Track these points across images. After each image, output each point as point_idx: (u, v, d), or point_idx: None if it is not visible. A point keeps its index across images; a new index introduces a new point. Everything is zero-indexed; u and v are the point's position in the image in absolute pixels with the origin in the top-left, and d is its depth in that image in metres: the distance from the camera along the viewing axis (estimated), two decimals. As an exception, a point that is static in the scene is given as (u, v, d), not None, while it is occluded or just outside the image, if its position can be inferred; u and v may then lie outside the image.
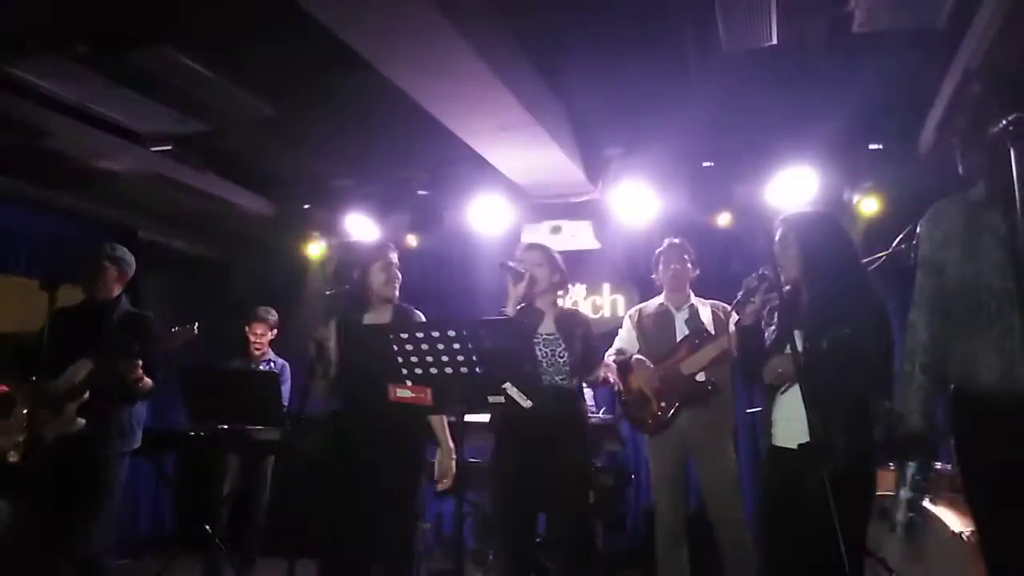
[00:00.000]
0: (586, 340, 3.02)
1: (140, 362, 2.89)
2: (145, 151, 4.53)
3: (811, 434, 2.09)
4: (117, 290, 3.19)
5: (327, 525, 2.80)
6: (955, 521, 3.11)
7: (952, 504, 3.23)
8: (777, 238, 2.50)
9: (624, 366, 3.67)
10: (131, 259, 3.26)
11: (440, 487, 2.94)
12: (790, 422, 2.35)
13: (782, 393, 2.39)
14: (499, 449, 3.16)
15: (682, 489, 3.66)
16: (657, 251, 3.83)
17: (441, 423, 2.99)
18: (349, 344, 2.85)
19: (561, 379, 2.95)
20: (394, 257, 3.02)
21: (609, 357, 3.77)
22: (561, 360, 3.00)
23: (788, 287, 2.43)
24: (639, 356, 3.62)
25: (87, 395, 2.86)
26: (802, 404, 2.18)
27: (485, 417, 3.58)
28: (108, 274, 3.14)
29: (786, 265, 2.44)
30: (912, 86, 3.77)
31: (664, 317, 3.69)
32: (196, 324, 3.02)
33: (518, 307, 3.07)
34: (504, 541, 3.17)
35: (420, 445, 2.97)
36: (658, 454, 3.63)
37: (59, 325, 3.04)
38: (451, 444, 2.96)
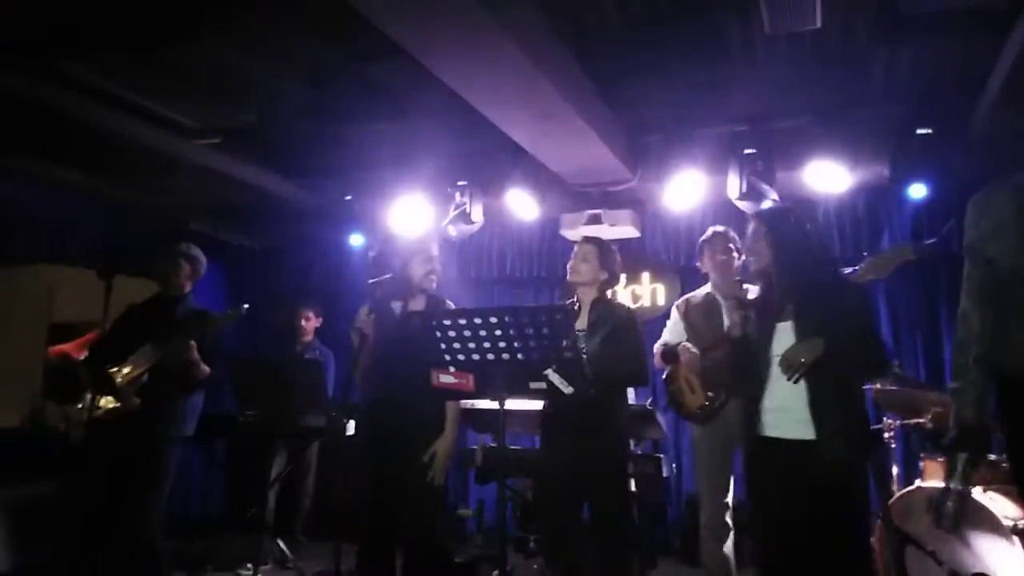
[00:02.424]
0: (621, 333, 3.02)
1: (194, 344, 2.99)
2: (194, 144, 4.66)
3: (818, 430, 2.11)
4: (188, 286, 3.34)
5: (360, 509, 2.86)
6: (1007, 511, 3.05)
7: (1005, 494, 3.17)
8: (749, 232, 2.53)
9: (671, 355, 3.66)
10: (203, 258, 3.42)
11: (437, 478, 2.85)
12: (781, 412, 2.34)
13: (794, 381, 2.33)
14: (544, 440, 3.20)
15: (727, 480, 3.63)
16: (701, 240, 3.80)
17: (454, 412, 2.94)
18: (383, 333, 2.90)
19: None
20: (435, 250, 3.05)
21: (658, 346, 3.77)
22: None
23: (762, 283, 2.43)
24: (686, 344, 3.59)
25: (145, 378, 2.97)
26: (795, 395, 2.27)
27: (526, 405, 3.65)
28: (182, 271, 3.30)
29: (757, 259, 2.48)
30: (962, 68, 3.66)
31: (711, 307, 3.66)
32: (245, 305, 3.12)
33: (569, 301, 3.14)
34: (548, 530, 3.21)
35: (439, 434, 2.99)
36: (704, 444, 3.61)
37: (128, 317, 3.24)
38: (454, 435, 2.94)
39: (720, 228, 3.76)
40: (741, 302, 2.56)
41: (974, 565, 3.01)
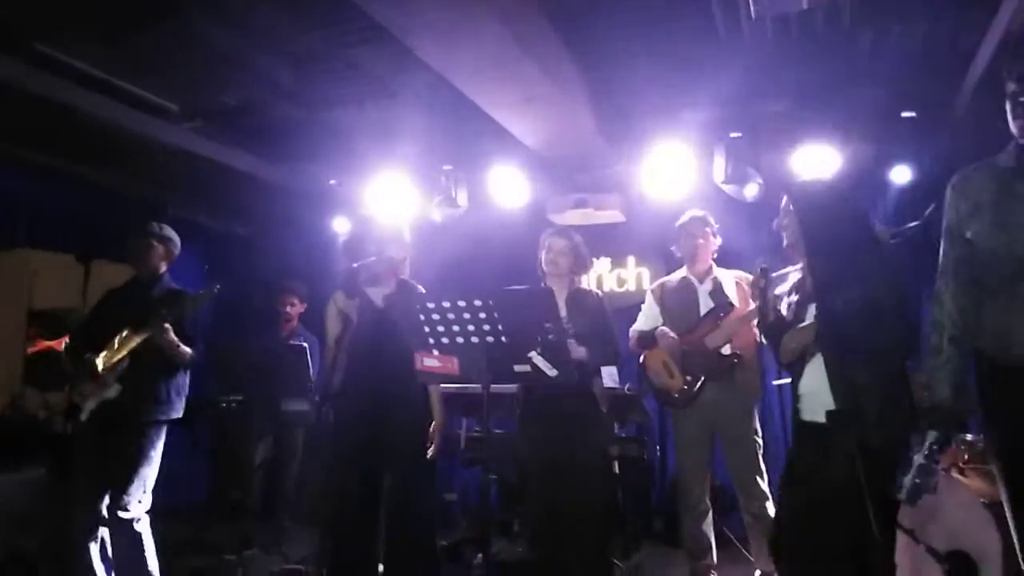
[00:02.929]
0: (595, 317, 3.11)
1: (168, 327, 2.96)
2: (174, 126, 4.59)
3: (836, 402, 2.08)
4: (163, 268, 3.30)
5: (339, 494, 2.86)
6: (982, 489, 3.10)
7: (980, 473, 3.22)
8: (781, 208, 2.49)
9: (648, 340, 3.67)
10: (177, 239, 3.37)
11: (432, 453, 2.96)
12: (816, 395, 2.32)
13: (810, 363, 2.34)
14: (523, 424, 3.22)
15: (707, 462, 3.67)
16: (678, 224, 3.79)
17: (437, 396, 3.02)
18: (363, 317, 2.89)
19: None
20: (409, 235, 3.05)
21: (634, 332, 3.79)
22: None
23: (801, 262, 2.40)
24: (664, 329, 3.61)
25: (126, 364, 2.94)
26: (823, 378, 2.22)
27: (507, 388, 3.66)
28: (155, 252, 3.26)
29: (788, 234, 2.45)
30: (947, 52, 3.67)
31: (687, 291, 3.67)
32: (217, 286, 3.09)
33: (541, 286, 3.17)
34: (531, 513, 3.24)
35: (426, 417, 3.01)
36: (684, 428, 3.64)
37: (107, 302, 3.22)
38: (442, 418, 3.03)
39: (698, 212, 3.75)
40: (759, 277, 2.51)
41: (951, 543, 3.05)
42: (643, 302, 3.84)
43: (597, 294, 3.32)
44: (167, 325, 2.96)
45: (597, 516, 3.09)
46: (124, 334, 2.94)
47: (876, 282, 2.25)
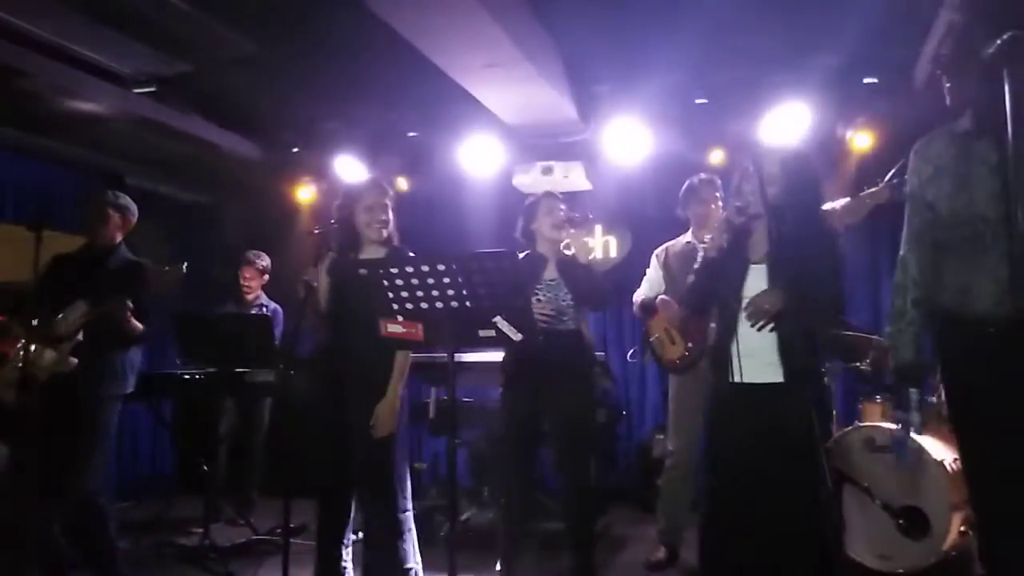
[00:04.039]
0: (588, 272, 3.14)
1: (131, 305, 2.89)
2: (128, 93, 4.44)
3: (795, 362, 2.12)
4: (118, 237, 3.19)
5: (314, 462, 2.84)
6: (938, 450, 3.20)
7: (936, 434, 3.32)
8: (739, 172, 2.48)
9: (649, 306, 3.67)
10: (133, 207, 3.25)
11: (377, 432, 2.74)
12: (751, 357, 2.32)
13: (757, 329, 2.31)
14: (507, 391, 3.23)
15: (698, 426, 3.69)
16: (686, 186, 3.72)
17: (401, 366, 2.81)
18: (336, 282, 2.84)
19: (566, 321, 3.12)
20: (379, 198, 2.94)
21: (637, 297, 3.78)
22: (564, 303, 3.09)
23: (744, 219, 2.38)
24: (664, 296, 3.59)
25: (80, 337, 2.87)
26: (764, 339, 2.27)
27: (476, 357, 3.67)
28: (111, 221, 3.14)
29: (744, 200, 2.41)
30: (907, 18, 3.69)
31: (692, 255, 3.63)
32: (184, 264, 3.01)
33: (523, 254, 3.15)
34: (508, 479, 3.26)
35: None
36: (681, 392, 3.63)
37: (56, 270, 3.09)
38: (396, 391, 2.80)
39: (705, 176, 3.71)
40: (724, 226, 2.46)
41: (904, 499, 3.16)
42: (610, 269, 3.86)
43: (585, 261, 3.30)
44: (128, 302, 2.87)
45: (576, 482, 3.13)
46: (81, 307, 2.85)
47: (820, 249, 2.35)
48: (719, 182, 3.68)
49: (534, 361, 2.99)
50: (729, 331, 2.36)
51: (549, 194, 3.33)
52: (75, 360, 2.83)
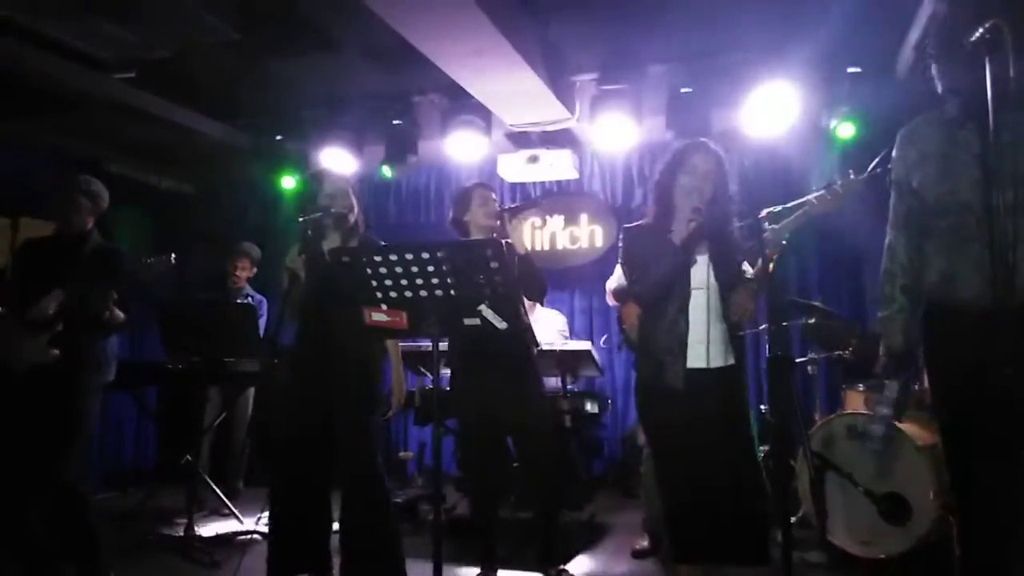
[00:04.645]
0: (527, 262, 3.11)
1: (115, 295, 2.85)
2: (107, 78, 4.37)
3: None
4: (90, 223, 3.12)
5: (289, 453, 2.83)
6: (917, 434, 3.24)
7: (915, 419, 3.36)
8: (692, 163, 2.51)
9: (624, 294, 3.69)
10: (105, 193, 3.18)
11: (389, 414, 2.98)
12: (700, 345, 2.43)
13: (696, 311, 2.45)
14: (455, 382, 3.25)
15: None
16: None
17: (396, 351, 3.00)
18: (312, 271, 2.82)
19: None
20: (347, 186, 2.94)
21: (609, 285, 3.80)
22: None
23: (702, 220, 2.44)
24: None
25: (59, 327, 2.83)
26: (712, 326, 2.44)
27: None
28: (82, 208, 3.08)
29: (696, 191, 2.47)
30: (891, 6, 3.70)
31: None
32: (172, 255, 2.96)
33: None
34: (472, 469, 3.27)
35: (378, 373, 2.98)
36: None
37: (28, 257, 3.04)
38: (400, 374, 3.06)
39: None
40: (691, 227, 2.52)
41: (887, 486, 3.19)
42: (595, 259, 3.85)
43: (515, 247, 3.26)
44: (110, 291, 2.82)
45: (545, 469, 3.13)
46: (58, 295, 2.81)
47: (736, 247, 2.53)
48: None
49: (477, 353, 3.02)
50: (683, 320, 2.44)
51: (481, 184, 3.34)
52: (55, 352, 2.79)
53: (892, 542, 3.15)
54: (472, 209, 3.20)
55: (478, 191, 3.23)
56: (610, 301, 3.85)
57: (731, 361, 2.46)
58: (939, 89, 2.17)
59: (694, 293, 2.45)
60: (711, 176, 2.48)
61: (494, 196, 3.25)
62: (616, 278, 3.82)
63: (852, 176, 2.71)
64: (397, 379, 3.06)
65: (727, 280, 2.47)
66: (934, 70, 2.15)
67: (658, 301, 2.50)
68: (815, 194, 2.60)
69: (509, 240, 3.15)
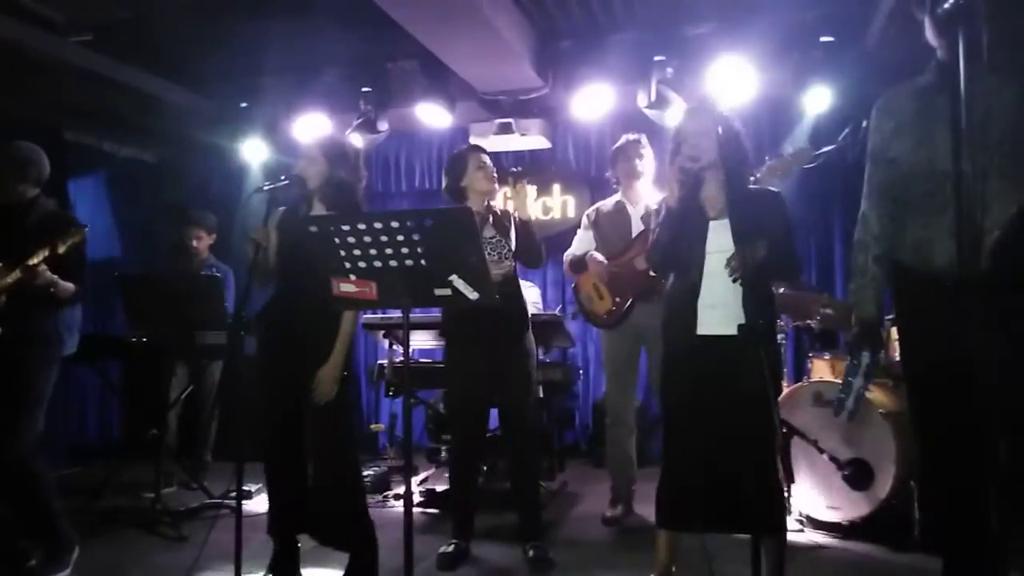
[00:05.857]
0: (527, 227, 3.09)
1: (42, 266, 2.71)
2: (63, 41, 4.20)
3: (747, 316, 2.14)
4: (30, 192, 2.97)
5: (262, 425, 2.77)
6: (882, 401, 3.31)
7: (880, 387, 3.43)
8: (692, 127, 2.45)
9: (579, 263, 3.70)
10: (40, 158, 3.00)
11: (317, 398, 2.62)
12: (719, 309, 2.34)
13: (736, 281, 2.26)
14: (450, 347, 3.21)
15: (633, 383, 3.76)
16: (614, 147, 3.78)
17: (346, 329, 2.68)
18: (284, 239, 2.75)
19: (505, 270, 3.07)
20: (318, 152, 2.78)
21: (567, 256, 3.80)
22: (507, 260, 3.09)
23: (697, 167, 2.38)
24: (593, 253, 3.64)
25: (3, 301, 2.72)
26: (730, 292, 2.24)
27: (430, 315, 3.64)
28: (15, 176, 2.93)
29: (701, 154, 2.39)
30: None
31: (621, 214, 3.69)
32: (85, 227, 2.83)
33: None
34: (457, 435, 3.26)
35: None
36: (612, 347, 3.70)
37: None
38: (342, 356, 2.67)
39: (632, 136, 3.74)
40: (679, 175, 2.45)
41: (851, 452, 3.25)
42: (568, 229, 3.85)
43: (508, 210, 3.24)
44: (41, 265, 2.69)
45: (524, 436, 3.12)
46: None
47: (770, 206, 2.41)
48: (645, 140, 3.72)
49: (477, 318, 2.89)
50: (694, 285, 2.38)
51: (477, 147, 3.24)
52: (0, 328, 2.68)
53: (856, 506, 3.23)
54: (469, 173, 3.08)
55: (474, 154, 3.13)
56: (567, 272, 3.87)
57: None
58: (940, 54, 2.12)
59: (711, 257, 2.37)
60: (706, 134, 2.39)
61: (487, 159, 3.14)
62: (572, 249, 3.82)
63: (807, 146, 2.71)
64: (335, 363, 2.66)
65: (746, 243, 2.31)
66: (932, 28, 2.10)
67: (672, 266, 2.46)
68: (765, 164, 2.57)
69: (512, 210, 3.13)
